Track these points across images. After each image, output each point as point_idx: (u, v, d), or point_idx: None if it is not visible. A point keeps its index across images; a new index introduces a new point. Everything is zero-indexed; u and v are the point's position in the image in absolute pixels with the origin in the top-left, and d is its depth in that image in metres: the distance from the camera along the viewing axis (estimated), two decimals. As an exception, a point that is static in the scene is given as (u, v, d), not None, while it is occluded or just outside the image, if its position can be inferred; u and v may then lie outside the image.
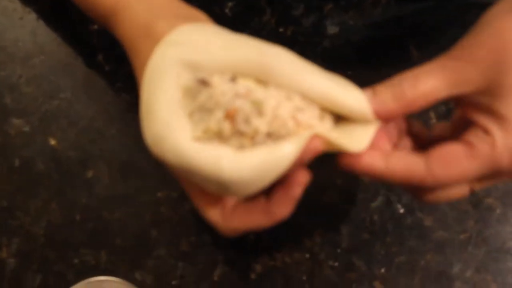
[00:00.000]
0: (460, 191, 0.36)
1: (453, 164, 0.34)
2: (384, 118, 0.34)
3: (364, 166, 0.34)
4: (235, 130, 0.32)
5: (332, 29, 0.51)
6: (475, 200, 0.47)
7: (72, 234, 0.47)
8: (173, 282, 0.46)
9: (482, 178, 0.35)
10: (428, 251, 0.46)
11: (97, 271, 0.46)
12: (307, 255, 0.46)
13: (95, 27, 0.53)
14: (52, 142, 0.50)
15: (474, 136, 0.34)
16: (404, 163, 0.34)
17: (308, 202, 0.47)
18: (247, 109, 0.32)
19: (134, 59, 0.39)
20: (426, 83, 0.33)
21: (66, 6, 0.51)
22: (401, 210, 0.47)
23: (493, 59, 0.32)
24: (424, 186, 0.35)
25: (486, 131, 0.33)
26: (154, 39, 0.37)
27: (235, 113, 0.32)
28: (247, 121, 0.32)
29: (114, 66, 0.52)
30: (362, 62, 0.50)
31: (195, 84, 0.33)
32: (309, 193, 0.47)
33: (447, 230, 0.47)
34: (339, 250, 0.46)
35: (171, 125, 0.33)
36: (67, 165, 0.49)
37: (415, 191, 0.37)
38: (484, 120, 0.33)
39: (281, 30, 0.51)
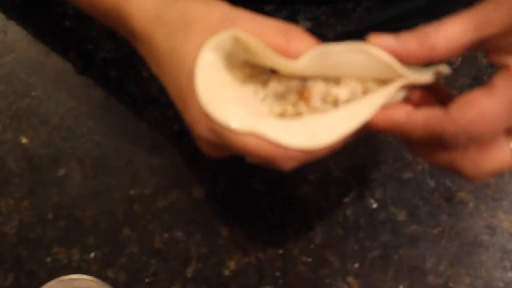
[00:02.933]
0: (500, 153, 0.34)
1: (471, 104, 0.32)
2: (407, 61, 0.34)
3: (384, 118, 0.34)
4: (311, 109, 0.34)
5: (304, 24, 0.51)
6: (447, 194, 0.47)
7: (44, 233, 0.47)
8: (146, 280, 0.46)
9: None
10: (401, 245, 0.46)
11: (70, 270, 0.46)
12: (281, 251, 0.46)
13: (67, 23, 0.52)
14: (24, 140, 0.49)
15: (497, 78, 0.33)
16: (424, 113, 0.34)
17: (281, 198, 0.47)
18: (321, 87, 0.34)
19: (150, 49, 0.38)
20: (450, 26, 0.33)
21: (37, 3, 0.51)
22: (374, 205, 0.47)
23: None
24: (447, 136, 0.33)
25: (510, 70, 0.33)
26: (168, 27, 0.36)
27: (309, 94, 0.34)
28: (323, 98, 0.35)
29: (85, 64, 0.51)
30: None
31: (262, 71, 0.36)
32: (282, 188, 0.47)
33: (420, 225, 0.47)
34: (312, 246, 0.46)
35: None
36: (38, 163, 0.49)
37: (453, 162, 0.35)
38: (508, 59, 0.33)
39: (254, 25, 0.51)
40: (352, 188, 0.47)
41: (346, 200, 0.47)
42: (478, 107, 0.32)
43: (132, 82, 0.51)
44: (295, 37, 0.36)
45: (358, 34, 0.35)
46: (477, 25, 0.32)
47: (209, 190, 0.47)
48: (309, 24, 0.51)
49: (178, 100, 0.37)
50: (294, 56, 0.34)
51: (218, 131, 0.34)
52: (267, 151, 0.34)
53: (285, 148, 0.33)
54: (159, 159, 0.48)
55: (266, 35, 0.35)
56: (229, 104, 0.34)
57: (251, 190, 0.44)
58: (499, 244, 0.46)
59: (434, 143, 0.34)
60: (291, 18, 0.51)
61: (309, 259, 0.46)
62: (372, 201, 0.47)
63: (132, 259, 0.46)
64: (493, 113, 0.32)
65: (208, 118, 0.34)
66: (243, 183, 0.41)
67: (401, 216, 0.47)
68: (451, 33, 0.33)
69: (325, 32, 0.51)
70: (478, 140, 0.33)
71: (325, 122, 0.34)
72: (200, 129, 0.35)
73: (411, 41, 0.33)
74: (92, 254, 0.46)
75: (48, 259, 0.46)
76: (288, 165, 0.35)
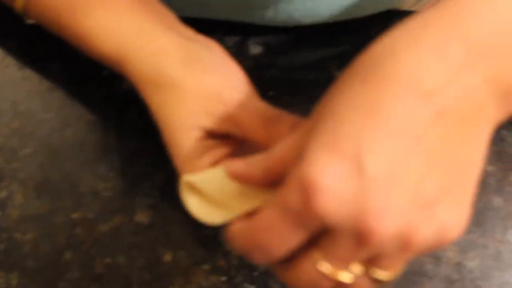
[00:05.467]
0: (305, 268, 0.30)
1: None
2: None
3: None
4: None
5: (255, 49, 0.50)
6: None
7: (-16, 256, 0.46)
8: (86, 305, 0.45)
9: None
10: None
11: (8, 294, 0.45)
12: (224, 278, 0.46)
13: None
14: (-35, 160, 0.49)
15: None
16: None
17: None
18: None
19: (149, 107, 0.40)
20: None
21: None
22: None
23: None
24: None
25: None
26: (162, 91, 0.39)
27: None
28: None
29: (31, 85, 0.51)
30: (285, 83, 0.50)
31: None
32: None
33: (365, 254, 0.46)
34: (256, 273, 0.46)
35: None
36: (-20, 184, 0.48)
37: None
38: None
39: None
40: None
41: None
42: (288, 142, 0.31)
43: (80, 104, 0.50)
44: (275, 128, 0.36)
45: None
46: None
47: (152, 215, 0.47)
48: (260, 49, 0.51)
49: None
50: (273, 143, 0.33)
51: None
52: None
53: None
54: (103, 183, 0.48)
55: (247, 121, 0.37)
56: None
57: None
58: (444, 274, 0.46)
59: None
60: (241, 42, 0.51)
61: (253, 287, 0.46)
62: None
63: (73, 284, 0.45)
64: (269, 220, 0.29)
65: None
66: (186, 210, 0.41)
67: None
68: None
69: (275, 57, 0.51)
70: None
71: None
72: None
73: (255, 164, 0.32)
74: (32, 279, 0.45)
75: (-13, 283, 0.45)
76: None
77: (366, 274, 0.30)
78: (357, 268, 0.29)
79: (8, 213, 0.47)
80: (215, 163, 0.38)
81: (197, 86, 0.38)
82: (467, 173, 0.28)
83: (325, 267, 0.29)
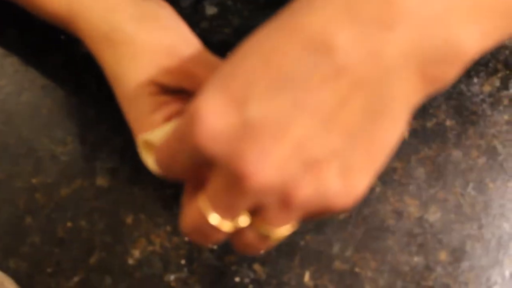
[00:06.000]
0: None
1: None
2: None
3: None
4: None
5: (211, 10, 0.50)
6: (354, 179, 0.47)
7: None
8: (48, 270, 0.45)
9: None
10: (307, 231, 0.46)
11: (-31, 260, 0.45)
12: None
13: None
14: None
15: None
16: None
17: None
18: None
19: (98, 63, 0.40)
20: None
21: None
22: (280, 191, 0.47)
23: None
24: None
25: None
26: (115, 50, 0.38)
27: None
28: None
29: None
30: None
31: None
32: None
33: (326, 210, 0.47)
34: (218, 233, 0.46)
35: None
36: None
37: None
38: None
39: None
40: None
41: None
42: None
43: (36, 69, 0.50)
44: None
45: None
46: None
47: (112, 179, 0.47)
48: (215, 9, 0.50)
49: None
50: None
51: None
52: None
53: None
54: (61, 147, 0.47)
55: (201, 73, 0.38)
56: None
57: (155, 179, 0.43)
58: (405, 228, 0.46)
59: None
60: (197, 3, 0.50)
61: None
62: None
63: (34, 248, 0.45)
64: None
65: None
66: (148, 172, 0.41)
67: (308, 202, 0.47)
68: None
69: (231, 17, 0.50)
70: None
71: None
72: None
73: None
74: (-8, 244, 0.45)
75: None
76: None
77: (252, 227, 0.29)
78: (242, 219, 0.29)
79: (-34, 180, 0.46)
80: (168, 119, 0.38)
81: (149, 41, 0.38)
82: (370, 145, 0.27)
83: (211, 216, 0.28)
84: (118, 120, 0.43)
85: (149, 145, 0.38)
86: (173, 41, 0.39)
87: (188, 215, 0.30)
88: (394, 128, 0.27)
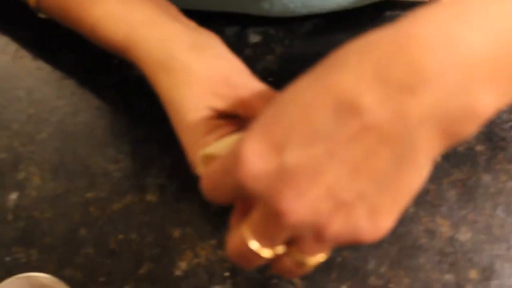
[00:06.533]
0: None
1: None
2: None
3: None
4: None
5: (254, 38, 0.53)
6: (388, 200, 0.50)
7: (4, 233, 0.49)
8: (101, 279, 0.48)
9: None
10: (345, 248, 0.49)
11: (28, 268, 0.48)
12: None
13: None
14: (-15, 145, 0.52)
15: None
16: None
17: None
18: None
19: (157, 92, 0.43)
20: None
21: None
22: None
23: None
24: None
25: None
26: (171, 74, 0.41)
27: None
28: None
29: (47, 71, 0.54)
30: (283, 70, 0.52)
31: None
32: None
33: (362, 229, 0.49)
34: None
35: None
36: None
37: None
38: None
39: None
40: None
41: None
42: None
43: (90, 91, 0.53)
44: None
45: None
46: None
47: (162, 195, 0.50)
48: (258, 37, 0.53)
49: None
50: None
51: None
52: None
53: None
54: (114, 165, 0.50)
55: (254, 101, 0.41)
56: None
57: (201, 196, 0.46)
58: (437, 247, 0.49)
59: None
60: (241, 32, 0.53)
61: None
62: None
63: (88, 259, 0.48)
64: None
65: None
66: (194, 190, 0.43)
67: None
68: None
69: (273, 45, 0.53)
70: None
71: None
72: None
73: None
74: (49, 254, 0.48)
75: (8, 258, 0.48)
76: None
77: (289, 254, 0.33)
78: (279, 248, 0.33)
79: (27, 193, 0.50)
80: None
81: (205, 68, 0.41)
82: (395, 190, 0.29)
83: (252, 243, 0.32)
84: (167, 139, 0.46)
85: (209, 159, 0.40)
86: (227, 69, 0.42)
87: (232, 240, 0.34)
88: (417, 176, 0.30)
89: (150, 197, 0.50)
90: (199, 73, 0.41)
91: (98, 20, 0.45)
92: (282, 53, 0.53)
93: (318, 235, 0.30)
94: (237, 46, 0.47)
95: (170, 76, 0.42)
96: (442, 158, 0.51)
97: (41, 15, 0.50)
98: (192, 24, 0.46)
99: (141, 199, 0.50)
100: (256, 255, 0.33)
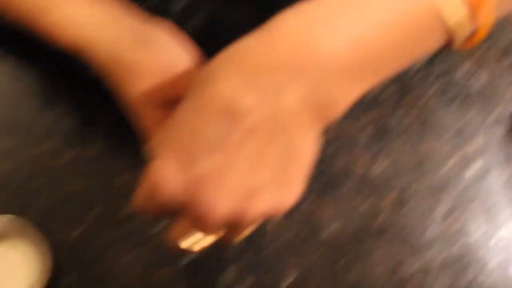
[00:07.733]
0: None
1: None
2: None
3: None
4: None
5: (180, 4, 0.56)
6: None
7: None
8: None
9: None
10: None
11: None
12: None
13: None
14: None
15: None
16: None
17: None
18: None
19: (111, 87, 0.45)
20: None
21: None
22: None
23: None
24: None
25: None
26: (120, 73, 0.44)
27: None
28: None
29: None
30: (211, 37, 0.56)
31: None
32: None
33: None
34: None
35: None
36: None
37: None
38: None
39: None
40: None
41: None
42: None
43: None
44: None
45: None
46: None
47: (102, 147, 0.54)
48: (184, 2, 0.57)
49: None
50: None
51: None
52: None
53: None
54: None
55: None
56: None
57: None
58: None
59: None
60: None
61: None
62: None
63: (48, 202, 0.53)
64: None
65: None
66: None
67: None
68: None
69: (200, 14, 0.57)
70: None
71: None
72: None
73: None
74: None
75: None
76: None
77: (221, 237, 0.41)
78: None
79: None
80: None
81: (149, 62, 0.44)
82: (293, 167, 0.35)
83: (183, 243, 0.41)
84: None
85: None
86: (172, 61, 0.45)
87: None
88: (307, 152, 0.35)
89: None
90: (144, 69, 0.44)
91: (52, 25, 0.48)
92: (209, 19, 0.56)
93: (239, 222, 0.35)
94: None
95: (119, 75, 0.45)
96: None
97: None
98: (138, 20, 0.47)
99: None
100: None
